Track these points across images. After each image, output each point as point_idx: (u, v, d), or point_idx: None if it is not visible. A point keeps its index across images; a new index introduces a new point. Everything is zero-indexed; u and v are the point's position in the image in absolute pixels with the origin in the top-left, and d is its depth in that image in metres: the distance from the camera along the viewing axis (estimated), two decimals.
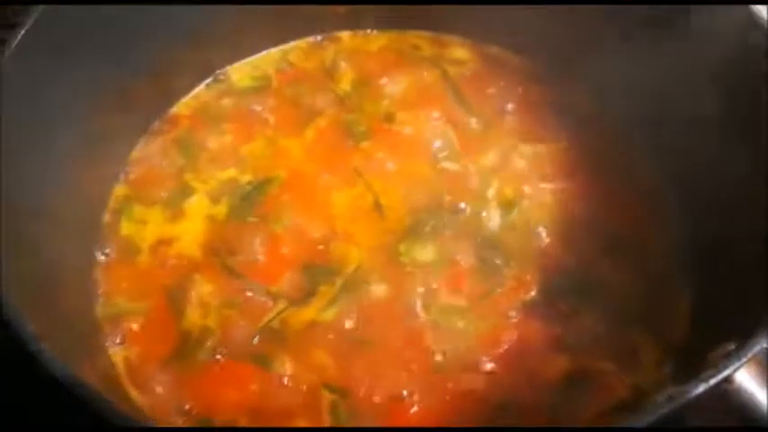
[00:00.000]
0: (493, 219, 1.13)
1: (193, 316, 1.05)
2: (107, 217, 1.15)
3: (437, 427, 0.97)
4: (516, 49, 1.32)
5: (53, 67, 0.98)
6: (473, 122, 1.24)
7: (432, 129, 1.22)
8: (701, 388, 0.67)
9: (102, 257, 1.11)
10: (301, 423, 0.98)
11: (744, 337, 0.76)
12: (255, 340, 1.03)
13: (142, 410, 0.97)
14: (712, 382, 0.67)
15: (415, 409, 0.98)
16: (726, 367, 0.69)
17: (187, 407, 0.98)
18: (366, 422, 0.97)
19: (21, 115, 0.92)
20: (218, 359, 1.02)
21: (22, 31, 0.93)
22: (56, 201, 1.00)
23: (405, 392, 0.99)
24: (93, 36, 1.04)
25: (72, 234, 1.04)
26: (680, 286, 1.07)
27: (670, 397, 0.67)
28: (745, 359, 0.70)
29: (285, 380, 1.00)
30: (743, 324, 0.82)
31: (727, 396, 0.75)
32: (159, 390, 1.00)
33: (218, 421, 0.98)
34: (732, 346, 0.76)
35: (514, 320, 1.04)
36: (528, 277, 1.08)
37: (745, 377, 0.76)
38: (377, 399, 0.99)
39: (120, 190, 1.17)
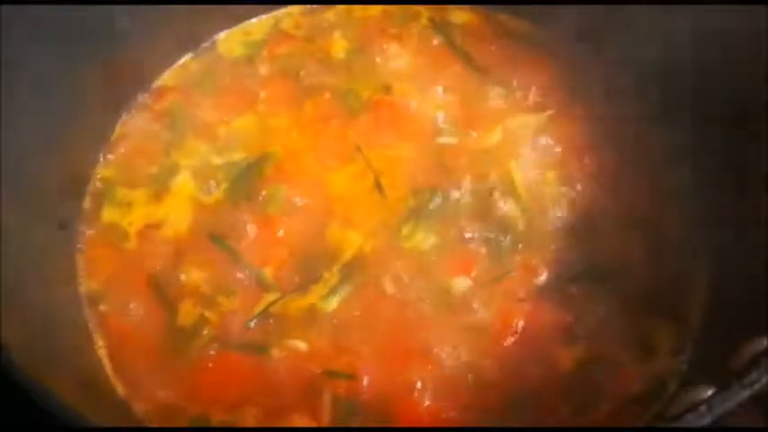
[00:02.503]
0: (500, 198, 1.07)
1: (186, 305, 1.00)
2: (88, 202, 1.08)
3: (437, 426, 0.93)
4: (525, 16, 1.24)
5: (25, 39, 0.91)
6: (478, 94, 1.16)
7: (433, 101, 1.16)
8: (746, 394, 0.62)
9: (85, 246, 1.05)
10: (302, 417, 0.93)
11: None
12: (252, 327, 0.98)
13: (130, 412, 0.93)
14: (756, 387, 0.62)
15: (427, 403, 0.94)
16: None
17: (181, 404, 0.94)
18: (373, 417, 0.93)
19: None
20: (214, 350, 0.97)
21: None
22: (32, 186, 0.94)
23: (419, 384, 0.94)
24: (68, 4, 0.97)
25: (51, 222, 0.99)
26: (696, 269, 1.03)
27: (710, 405, 0.62)
28: None
29: (284, 371, 0.95)
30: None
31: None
32: (150, 387, 0.95)
33: (214, 418, 0.93)
34: (765, 342, 0.72)
35: (525, 306, 1.00)
36: (538, 261, 1.03)
37: None
38: (383, 391, 0.94)
39: (101, 171, 1.11)
